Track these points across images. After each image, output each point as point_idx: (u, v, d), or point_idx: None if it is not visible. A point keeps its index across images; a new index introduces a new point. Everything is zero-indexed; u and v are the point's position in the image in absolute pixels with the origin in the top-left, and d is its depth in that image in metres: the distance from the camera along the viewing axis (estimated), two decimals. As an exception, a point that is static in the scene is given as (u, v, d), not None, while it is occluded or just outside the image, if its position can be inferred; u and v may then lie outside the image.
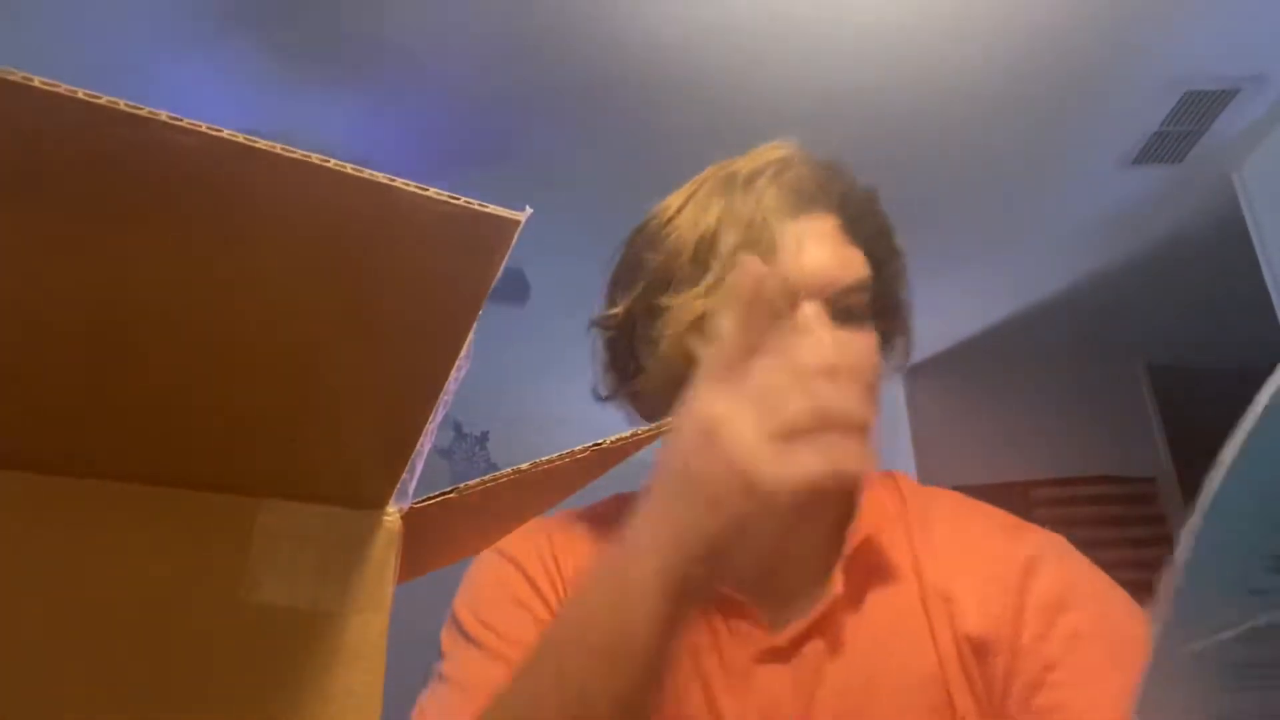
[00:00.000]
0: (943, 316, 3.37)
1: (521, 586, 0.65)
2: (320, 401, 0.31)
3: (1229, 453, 0.22)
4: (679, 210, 0.67)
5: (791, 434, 0.41)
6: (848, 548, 0.62)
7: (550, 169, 2.38)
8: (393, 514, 0.35)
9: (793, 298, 0.60)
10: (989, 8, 1.90)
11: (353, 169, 0.23)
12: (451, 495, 0.37)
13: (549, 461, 0.42)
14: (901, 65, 2.06)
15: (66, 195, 0.23)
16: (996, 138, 2.35)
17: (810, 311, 0.60)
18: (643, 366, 0.67)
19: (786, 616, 0.61)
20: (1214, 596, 0.24)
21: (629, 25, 1.91)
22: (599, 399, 0.73)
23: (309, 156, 0.23)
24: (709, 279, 0.62)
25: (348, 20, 1.85)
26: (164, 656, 0.29)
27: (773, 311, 0.43)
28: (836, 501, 0.64)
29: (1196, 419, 3.56)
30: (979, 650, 0.58)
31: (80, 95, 0.20)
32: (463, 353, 0.31)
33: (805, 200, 0.64)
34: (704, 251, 0.63)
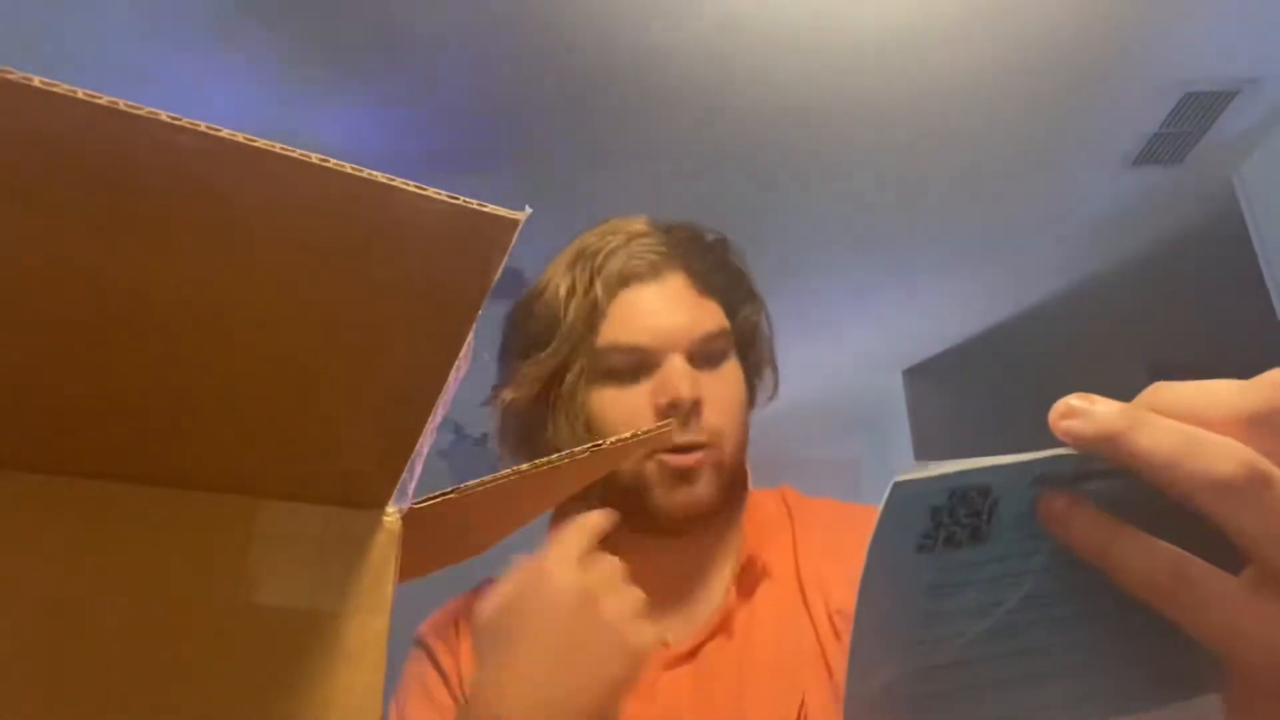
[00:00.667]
0: (943, 316, 3.37)
1: (430, 675, 0.70)
2: (320, 401, 0.31)
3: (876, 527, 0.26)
4: (544, 286, 0.74)
5: (641, 609, 0.51)
6: (737, 565, 0.71)
7: (549, 170, 2.38)
8: (393, 514, 0.35)
9: (659, 351, 0.68)
10: (989, 9, 1.90)
11: (352, 169, 0.23)
12: (452, 495, 0.37)
13: (549, 462, 0.42)
14: (901, 66, 2.06)
15: (65, 195, 0.23)
16: (997, 139, 2.35)
17: (674, 361, 0.68)
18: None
19: (687, 627, 0.70)
20: (887, 645, 0.28)
21: (629, 28, 1.91)
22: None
23: (308, 156, 0.23)
24: (553, 347, 0.70)
25: (350, 20, 1.85)
26: (163, 657, 0.29)
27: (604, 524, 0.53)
28: (720, 530, 0.74)
29: (1195, 418, 3.55)
30: (849, 621, 0.64)
31: (79, 95, 0.20)
32: (463, 353, 0.31)
33: (655, 266, 0.71)
34: (554, 324, 0.70)
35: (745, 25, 1.91)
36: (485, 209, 0.25)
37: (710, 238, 0.76)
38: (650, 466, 0.68)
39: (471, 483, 0.38)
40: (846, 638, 0.66)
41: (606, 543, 0.73)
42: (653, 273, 0.70)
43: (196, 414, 0.30)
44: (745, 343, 0.76)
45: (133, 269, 0.25)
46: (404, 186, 0.24)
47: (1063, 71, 2.10)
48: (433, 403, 0.32)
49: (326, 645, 0.32)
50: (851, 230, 2.75)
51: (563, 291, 0.70)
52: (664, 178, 2.37)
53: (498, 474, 0.39)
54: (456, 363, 0.31)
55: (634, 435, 0.52)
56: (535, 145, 2.27)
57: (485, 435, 3.85)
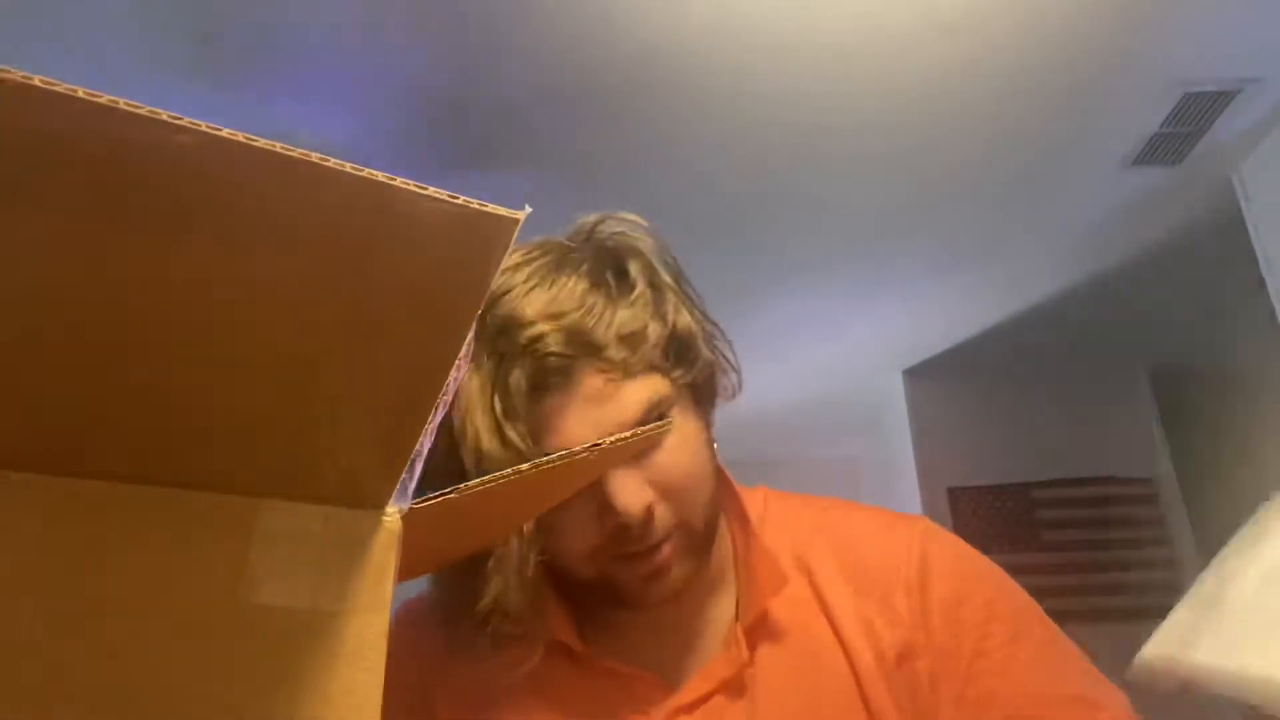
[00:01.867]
0: (943, 316, 3.37)
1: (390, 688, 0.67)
2: (320, 401, 0.31)
3: None
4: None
5: None
6: (745, 619, 0.66)
7: (547, 169, 2.38)
8: (393, 514, 0.35)
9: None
10: (987, 10, 1.90)
11: (352, 168, 0.23)
12: (451, 495, 0.37)
13: (549, 462, 0.42)
14: (900, 66, 2.06)
15: (66, 195, 0.23)
16: (996, 139, 2.35)
17: (615, 476, 0.59)
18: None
19: (689, 674, 0.66)
20: None
21: (617, 27, 1.91)
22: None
23: (309, 156, 0.23)
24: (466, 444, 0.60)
25: (315, 18, 1.85)
26: (163, 656, 0.30)
27: None
28: (713, 576, 0.69)
29: (1196, 420, 3.56)
30: (902, 656, 0.64)
31: (80, 94, 0.20)
32: (462, 353, 0.31)
33: (564, 370, 0.60)
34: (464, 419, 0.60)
35: (741, 26, 1.91)
36: (486, 208, 0.25)
37: (614, 276, 0.64)
38: (618, 576, 0.63)
39: (471, 483, 0.38)
40: (904, 670, 0.63)
41: (598, 620, 0.68)
42: (564, 379, 0.60)
43: (197, 414, 0.30)
44: (691, 380, 0.66)
45: (133, 269, 0.25)
46: (404, 186, 0.24)
47: (1062, 72, 2.10)
48: (433, 403, 0.32)
49: (326, 645, 0.32)
50: (852, 229, 2.75)
51: (475, 385, 0.60)
52: (662, 176, 2.37)
53: (497, 474, 0.39)
54: (456, 362, 0.31)
55: (633, 434, 0.52)
56: (531, 145, 2.27)
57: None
